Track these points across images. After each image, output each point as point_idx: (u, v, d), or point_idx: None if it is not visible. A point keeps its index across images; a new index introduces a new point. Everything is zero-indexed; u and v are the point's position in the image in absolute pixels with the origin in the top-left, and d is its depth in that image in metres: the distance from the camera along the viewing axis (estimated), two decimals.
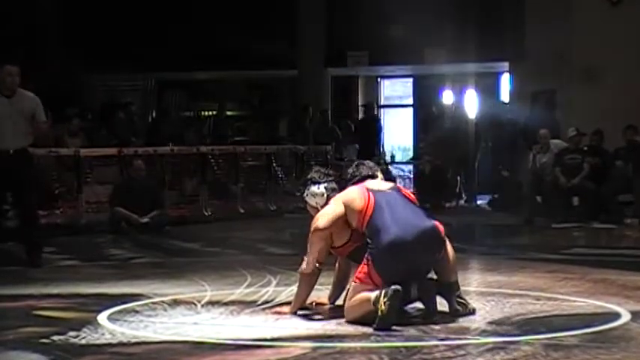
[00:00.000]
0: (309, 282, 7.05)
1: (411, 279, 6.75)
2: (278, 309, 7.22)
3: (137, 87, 24.30)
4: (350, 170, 7.35)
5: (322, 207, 7.15)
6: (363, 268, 6.76)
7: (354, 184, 7.19)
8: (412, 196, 7.27)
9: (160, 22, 22.97)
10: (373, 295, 6.54)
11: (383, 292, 6.48)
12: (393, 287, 6.47)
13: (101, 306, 7.52)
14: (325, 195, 7.22)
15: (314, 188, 7.28)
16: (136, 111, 22.01)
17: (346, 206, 6.97)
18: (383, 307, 6.43)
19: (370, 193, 6.97)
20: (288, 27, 22.54)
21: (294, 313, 7.05)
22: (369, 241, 6.82)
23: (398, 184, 7.69)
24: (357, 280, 6.78)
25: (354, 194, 7.00)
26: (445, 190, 19.23)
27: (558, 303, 7.63)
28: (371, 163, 7.46)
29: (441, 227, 6.90)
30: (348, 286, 7.04)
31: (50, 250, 12.12)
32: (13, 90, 10.55)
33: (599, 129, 16.24)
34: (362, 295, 6.67)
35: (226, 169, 17.68)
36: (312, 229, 7.01)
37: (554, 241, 13.18)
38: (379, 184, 7.18)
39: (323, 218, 7.00)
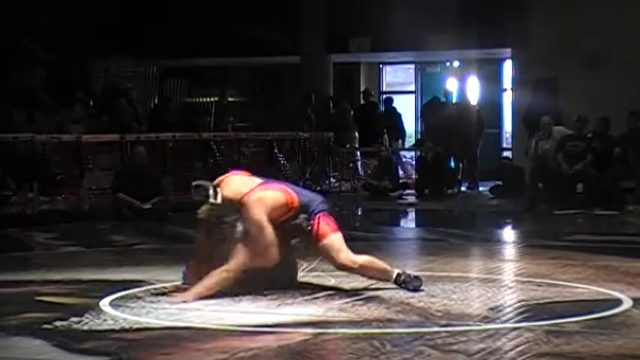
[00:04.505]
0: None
1: None
2: (180, 295, 7.20)
3: (138, 73, 24.26)
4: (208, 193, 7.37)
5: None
6: (324, 226, 7.34)
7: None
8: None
9: (161, 8, 22.94)
10: (396, 270, 7.47)
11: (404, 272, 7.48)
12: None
13: (103, 292, 7.52)
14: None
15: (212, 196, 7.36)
16: (137, 97, 22.02)
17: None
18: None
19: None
20: (289, 13, 22.49)
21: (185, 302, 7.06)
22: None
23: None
24: (331, 234, 7.35)
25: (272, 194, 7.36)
26: (447, 177, 19.22)
27: (560, 289, 7.63)
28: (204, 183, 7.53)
29: None
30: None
31: (52, 236, 12.16)
32: None
33: (605, 116, 16.19)
34: (377, 262, 7.51)
35: (228, 155, 17.67)
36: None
37: (556, 227, 13.18)
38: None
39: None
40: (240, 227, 7.29)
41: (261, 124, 20.57)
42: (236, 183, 7.45)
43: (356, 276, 7.56)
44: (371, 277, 7.56)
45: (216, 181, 7.52)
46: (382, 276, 7.50)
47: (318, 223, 7.36)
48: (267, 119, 21.44)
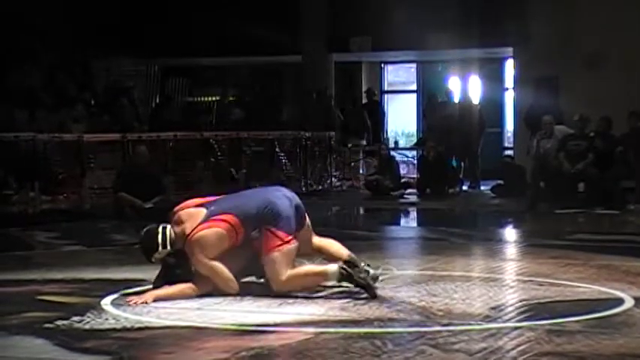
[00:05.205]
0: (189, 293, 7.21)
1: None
2: (137, 297, 7.16)
3: (140, 73, 24.28)
4: (158, 239, 7.30)
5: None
6: (273, 240, 7.11)
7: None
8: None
9: (162, 7, 22.95)
10: (332, 268, 7.18)
11: (343, 265, 7.16)
12: (349, 258, 7.28)
13: (104, 291, 7.53)
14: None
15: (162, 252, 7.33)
16: (139, 96, 22.03)
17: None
18: (360, 276, 7.11)
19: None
20: (290, 13, 22.49)
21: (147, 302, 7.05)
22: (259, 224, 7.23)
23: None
24: (276, 250, 7.11)
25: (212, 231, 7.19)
26: (448, 176, 19.21)
27: (561, 289, 7.63)
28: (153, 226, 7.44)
29: None
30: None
31: (54, 235, 12.15)
32: None
33: (607, 115, 16.19)
34: (312, 270, 7.32)
35: (229, 154, 17.67)
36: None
37: (558, 226, 13.17)
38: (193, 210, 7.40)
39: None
40: (193, 268, 7.31)
41: (263, 124, 20.58)
42: (184, 219, 7.30)
43: None
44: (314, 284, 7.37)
45: (172, 211, 7.44)
46: (323, 281, 7.31)
47: (262, 238, 7.21)
48: (268, 118, 21.46)
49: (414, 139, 23.69)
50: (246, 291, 7.26)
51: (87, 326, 6.35)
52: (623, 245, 10.75)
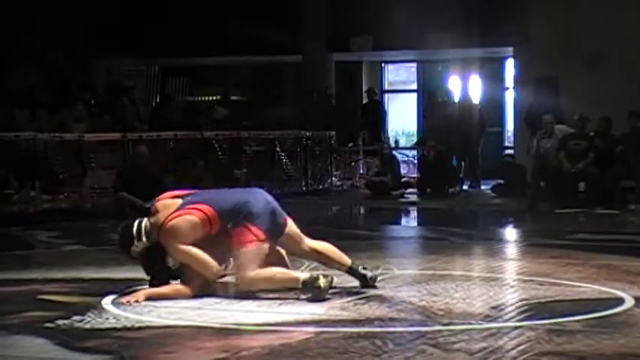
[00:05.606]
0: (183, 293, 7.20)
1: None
2: (130, 296, 7.18)
3: (140, 72, 24.29)
4: (133, 232, 7.41)
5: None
6: (247, 235, 7.07)
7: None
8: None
9: (162, 7, 22.95)
10: (304, 275, 7.08)
11: (321, 274, 7.07)
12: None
13: (105, 290, 7.53)
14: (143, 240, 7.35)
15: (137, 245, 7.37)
16: (139, 96, 22.02)
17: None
18: (323, 283, 6.97)
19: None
20: (290, 13, 22.49)
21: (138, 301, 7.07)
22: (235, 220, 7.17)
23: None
24: (248, 245, 7.07)
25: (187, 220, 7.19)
26: (449, 176, 19.21)
27: (562, 288, 7.64)
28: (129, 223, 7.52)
29: None
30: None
31: (54, 234, 12.16)
32: None
33: (607, 115, 16.19)
34: (281, 272, 7.17)
35: (230, 154, 17.67)
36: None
37: (558, 226, 13.17)
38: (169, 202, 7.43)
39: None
40: (171, 262, 7.30)
41: (263, 123, 20.59)
42: (159, 210, 7.33)
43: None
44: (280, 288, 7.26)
45: (153, 203, 7.50)
46: (290, 284, 7.17)
47: (236, 232, 7.15)
48: (269, 118, 21.47)
49: (415, 139, 23.69)
50: (245, 291, 7.26)
51: (87, 326, 6.36)
52: (623, 245, 10.75)
